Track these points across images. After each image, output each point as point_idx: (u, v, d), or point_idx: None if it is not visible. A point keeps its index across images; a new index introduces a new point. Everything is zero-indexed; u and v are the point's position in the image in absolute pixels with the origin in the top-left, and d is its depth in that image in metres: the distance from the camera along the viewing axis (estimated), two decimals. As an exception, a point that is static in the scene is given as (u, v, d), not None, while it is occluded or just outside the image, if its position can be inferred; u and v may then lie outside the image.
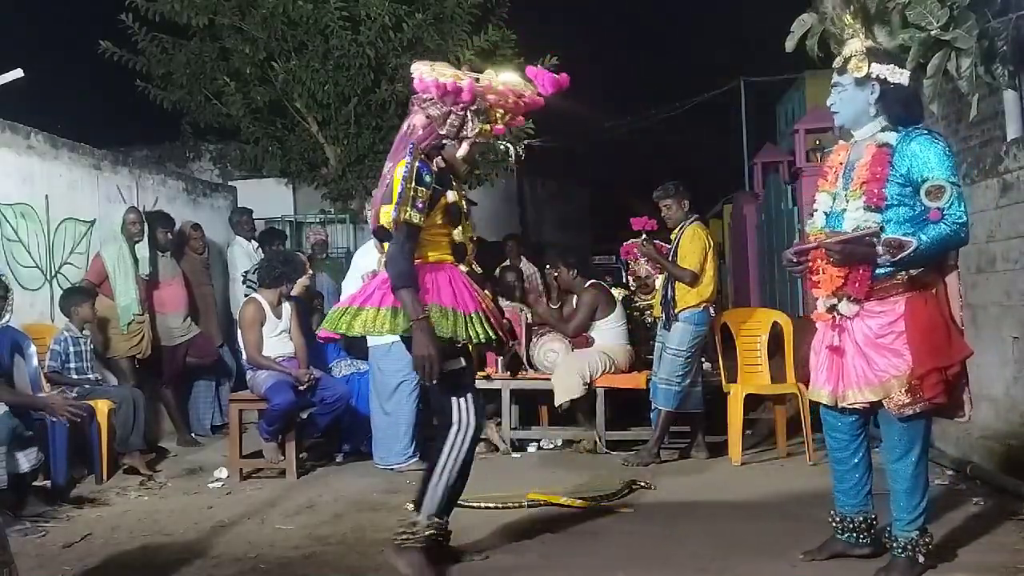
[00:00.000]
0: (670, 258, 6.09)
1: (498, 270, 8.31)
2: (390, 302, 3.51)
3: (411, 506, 4.74)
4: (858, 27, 3.46)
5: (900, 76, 3.37)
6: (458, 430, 3.64)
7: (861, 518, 3.67)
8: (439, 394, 3.70)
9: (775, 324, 6.39)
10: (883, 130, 3.42)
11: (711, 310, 6.08)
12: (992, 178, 5.47)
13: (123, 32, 9.05)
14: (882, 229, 3.30)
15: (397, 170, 3.48)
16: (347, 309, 3.63)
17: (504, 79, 3.63)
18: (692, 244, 6.00)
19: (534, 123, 9.41)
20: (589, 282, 6.87)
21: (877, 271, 3.31)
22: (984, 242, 5.58)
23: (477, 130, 3.58)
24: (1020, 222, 5.18)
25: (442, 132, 3.58)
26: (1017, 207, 5.22)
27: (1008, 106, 5.59)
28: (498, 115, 3.63)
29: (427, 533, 3.61)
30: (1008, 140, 5.50)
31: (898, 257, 3.23)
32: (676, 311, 6.01)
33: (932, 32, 4.07)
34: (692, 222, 6.10)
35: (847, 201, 3.42)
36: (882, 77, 3.37)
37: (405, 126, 3.63)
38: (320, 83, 8.88)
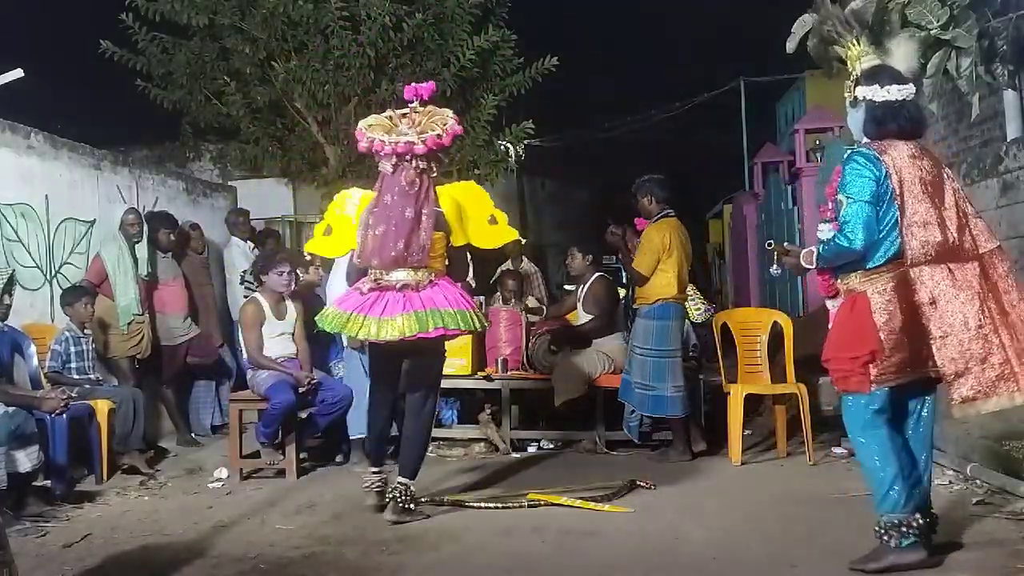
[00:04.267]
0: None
1: (497, 272, 8.31)
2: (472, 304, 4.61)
3: (412, 506, 4.78)
4: (860, 50, 3.71)
5: (881, 94, 3.60)
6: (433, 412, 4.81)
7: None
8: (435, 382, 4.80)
9: (775, 324, 6.39)
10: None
11: (686, 307, 6.11)
12: (992, 178, 5.47)
13: (123, 32, 9.04)
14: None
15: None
16: (464, 312, 4.47)
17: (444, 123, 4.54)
18: (646, 244, 6.03)
19: (534, 123, 9.43)
20: (597, 273, 6.88)
21: (836, 276, 3.72)
22: (984, 242, 5.58)
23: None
24: (1020, 222, 5.19)
25: (434, 175, 4.58)
26: (1017, 207, 5.22)
27: (1008, 106, 5.60)
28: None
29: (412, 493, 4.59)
30: (1008, 140, 5.51)
31: (813, 264, 3.71)
32: (634, 307, 6.06)
33: (932, 31, 4.08)
34: (659, 219, 6.10)
35: None
36: (866, 98, 3.64)
37: (406, 184, 4.46)
38: (320, 83, 8.87)
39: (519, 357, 6.86)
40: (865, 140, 3.67)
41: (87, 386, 5.91)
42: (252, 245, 8.07)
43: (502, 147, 9.42)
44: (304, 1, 8.58)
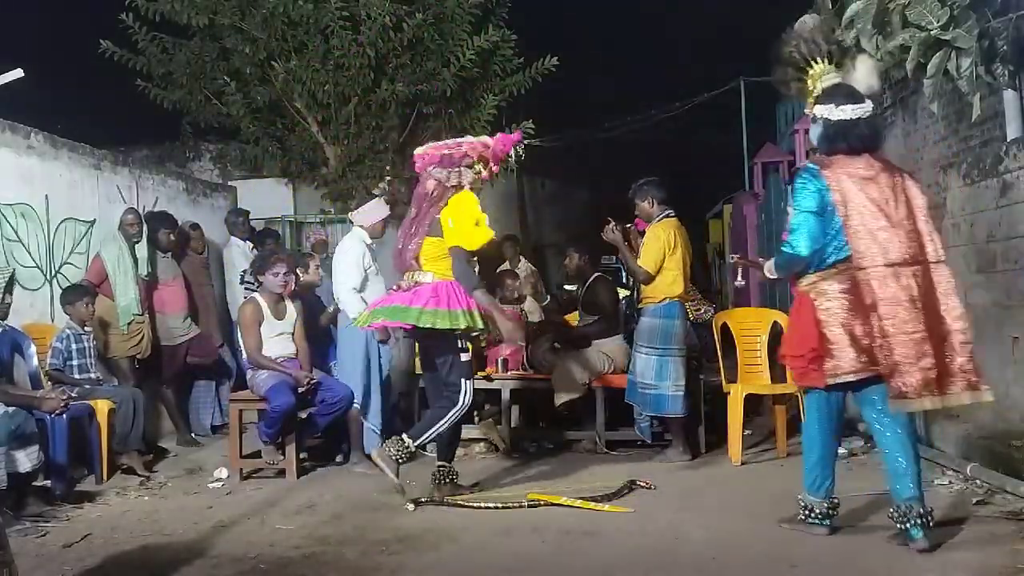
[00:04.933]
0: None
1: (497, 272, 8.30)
2: (462, 304, 4.83)
3: (411, 506, 4.81)
4: (822, 68, 4.00)
5: (836, 113, 3.88)
6: (461, 405, 4.91)
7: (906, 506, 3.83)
8: (454, 375, 4.94)
9: (775, 324, 6.39)
10: None
11: (687, 307, 6.11)
12: (992, 178, 5.47)
13: (123, 32, 9.04)
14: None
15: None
16: (422, 309, 4.79)
17: (469, 139, 5.13)
18: (651, 243, 6.02)
19: (534, 123, 9.42)
20: (596, 274, 6.91)
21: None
22: (984, 242, 5.58)
23: (469, 178, 5.01)
24: (1020, 222, 5.18)
25: (450, 185, 4.96)
26: (1017, 207, 5.21)
27: (1008, 106, 5.59)
28: (479, 165, 5.06)
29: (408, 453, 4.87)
30: (1008, 140, 5.50)
31: (768, 272, 4.12)
32: (639, 306, 6.05)
33: (932, 32, 4.08)
34: (660, 219, 6.09)
35: None
36: (821, 116, 3.94)
37: (422, 191, 5.02)
38: (320, 83, 8.87)
39: (519, 357, 6.86)
40: (817, 155, 4.01)
41: (87, 386, 5.91)
42: (251, 245, 8.07)
43: (502, 147, 9.41)
44: (304, 1, 8.58)
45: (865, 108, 3.89)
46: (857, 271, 3.77)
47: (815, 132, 4.03)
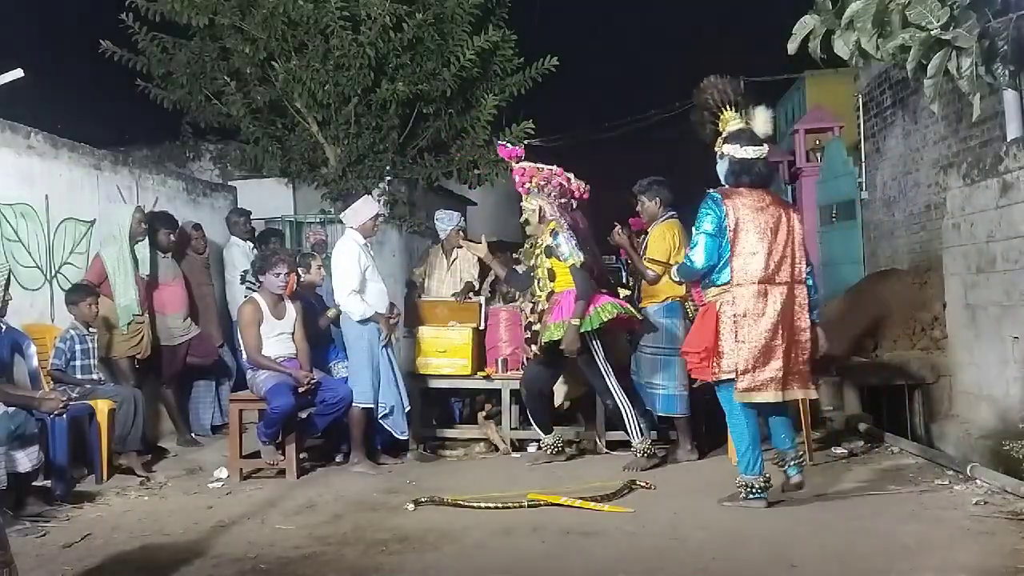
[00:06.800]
0: (642, 255, 6.09)
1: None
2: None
3: (411, 506, 4.81)
4: (730, 115, 4.73)
5: (740, 152, 4.62)
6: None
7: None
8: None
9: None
10: None
11: (687, 306, 6.12)
12: (992, 178, 5.47)
13: (123, 32, 9.05)
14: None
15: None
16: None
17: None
18: (657, 242, 6.01)
19: (534, 123, 9.44)
20: None
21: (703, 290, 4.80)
22: (984, 242, 5.58)
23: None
24: (1020, 222, 5.19)
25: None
26: (1017, 207, 5.22)
27: (1008, 106, 5.60)
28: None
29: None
30: (1008, 140, 5.51)
31: (672, 276, 5.11)
32: (641, 307, 6.04)
33: (932, 32, 4.07)
34: (664, 220, 6.09)
35: None
36: (728, 153, 4.65)
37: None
38: (320, 83, 8.87)
39: (519, 357, 6.85)
40: (723, 185, 4.68)
41: (88, 386, 5.91)
42: (252, 245, 8.07)
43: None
44: (304, 1, 8.58)
45: (763, 150, 4.65)
46: (735, 287, 4.51)
47: (722, 167, 4.69)
